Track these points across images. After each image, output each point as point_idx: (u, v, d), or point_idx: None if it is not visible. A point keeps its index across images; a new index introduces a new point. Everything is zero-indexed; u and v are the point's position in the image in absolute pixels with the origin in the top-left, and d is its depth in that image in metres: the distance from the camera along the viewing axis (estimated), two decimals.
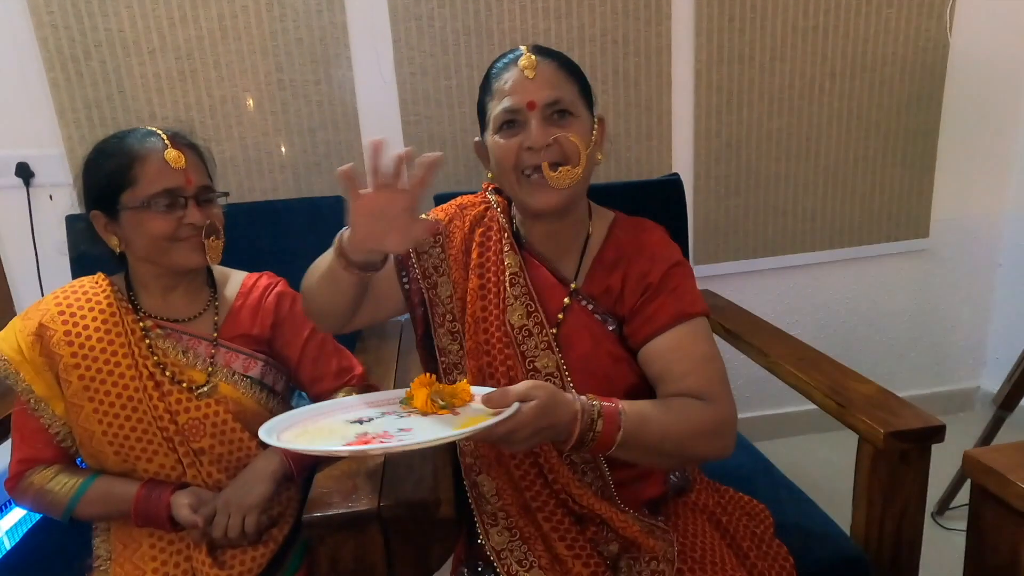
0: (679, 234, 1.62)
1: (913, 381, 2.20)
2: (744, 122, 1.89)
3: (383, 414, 0.88)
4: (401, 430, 0.81)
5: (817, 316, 2.10)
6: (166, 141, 1.00)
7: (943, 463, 1.16)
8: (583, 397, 0.85)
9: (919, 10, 1.86)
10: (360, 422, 0.85)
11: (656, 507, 1.04)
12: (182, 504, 0.98)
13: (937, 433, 0.97)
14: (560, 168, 0.93)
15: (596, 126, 0.97)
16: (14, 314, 1.74)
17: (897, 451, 0.98)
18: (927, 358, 2.20)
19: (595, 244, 1.02)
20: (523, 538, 0.96)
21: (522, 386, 0.81)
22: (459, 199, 1.12)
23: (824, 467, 1.91)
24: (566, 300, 1.00)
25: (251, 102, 1.70)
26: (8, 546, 1.52)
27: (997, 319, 2.18)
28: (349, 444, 0.77)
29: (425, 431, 0.79)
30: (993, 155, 2.03)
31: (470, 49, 1.74)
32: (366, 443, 0.77)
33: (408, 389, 0.88)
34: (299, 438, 0.82)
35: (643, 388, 0.98)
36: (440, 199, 1.62)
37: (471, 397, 0.87)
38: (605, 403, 0.85)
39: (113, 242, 1.03)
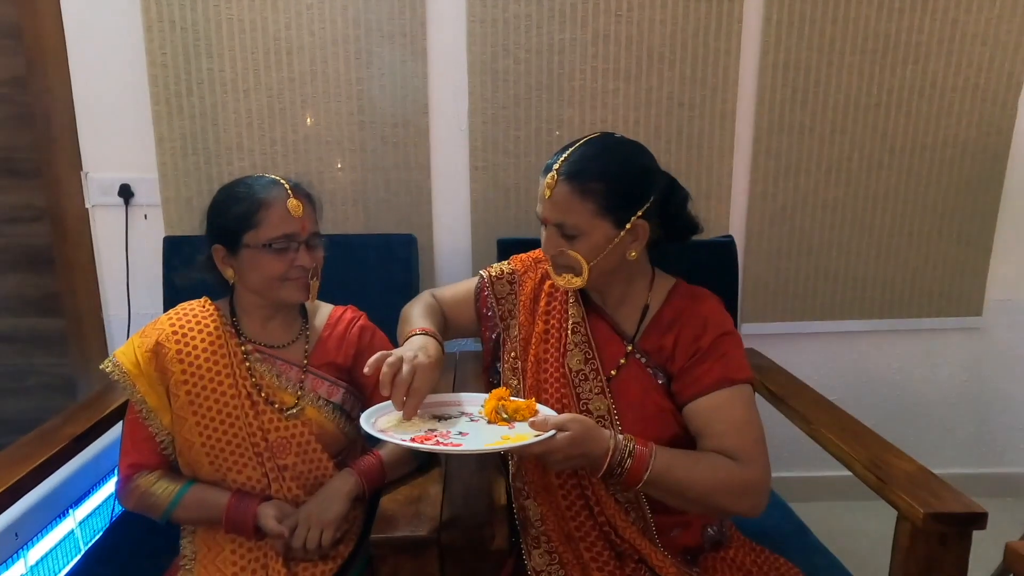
0: (729, 293, 1.67)
1: (957, 459, 2.17)
2: (800, 189, 1.94)
3: (461, 413, 1.08)
4: (460, 433, 1.00)
5: (861, 384, 2.10)
6: (288, 191, 1.11)
7: (987, 547, 1.17)
8: (621, 436, 0.97)
9: (983, 96, 1.89)
10: (439, 419, 1.06)
11: (694, 558, 1.09)
12: (268, 515, 1.07)
13: (978, 519, 0.99)
14: (564, 274, 1.06)
15: (625, 232, 1.02)
16: (102, 323, 1.90)
17: (936, 533, 1.01)
18: (974, 438, 2.17)
19: (654, 307, 1.10)
20: (561, 563, 1.05)
21: (562, 417, 0.95)
22: (536, 252, 1.24)
23: (860, 537, 1.89)
24: (624, 357, 1.09)
25: (309, 120, 1.81)
26: (81, 536, 1.64)
27: None
28: (412, 440, 0.96)
29: (475, 441, 0.97)
30: None
31: (540, 104, 1.84)
32: (426, 439, 0.97)
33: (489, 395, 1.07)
34: (391, 424, 1.03)
35: (685, 437, 1.06)
36: (503, 244, 1.72)
37: (535, 414, 1.03)
38: (639, 446, 0.97)
39: (228, 273, 1.14)
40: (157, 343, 1.13)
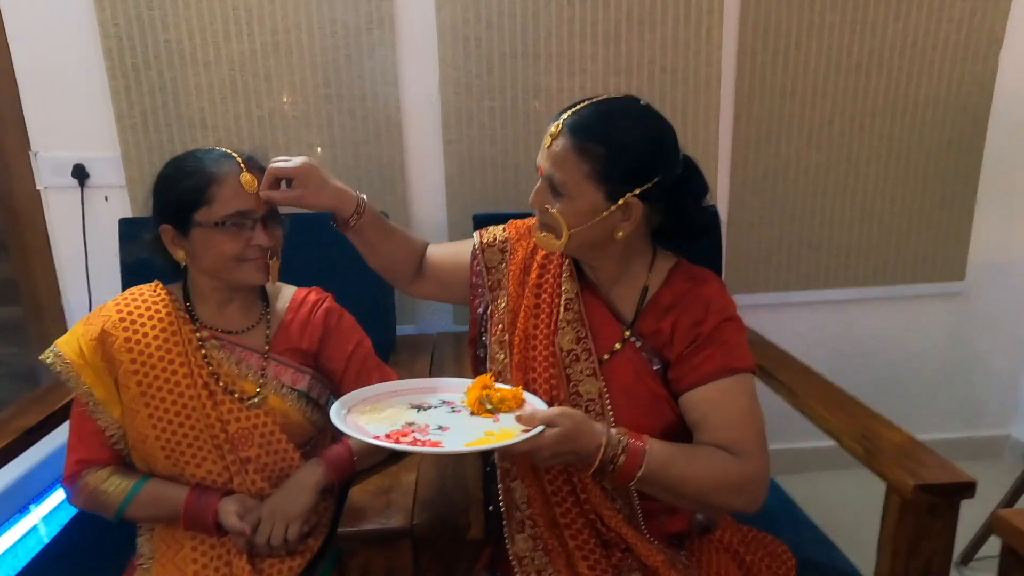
0: (713, 264, 1.64)
1: (941, 424, 2.17)
2: (781, 155, 1.90)
3: (442, 402, 1.02)
4: (440, 428, 0.93)
5: (846, 352, 2.09)
6: (241, 165, 1.04)
7: (970, 510, 1.15)
8: (614, 430, 0.91)
9: (964, 53, 1.86)
10: (418, 409, 0.99)
11: (680, 542, 1.06)
12: (229, 511, 1.01)
13: (967, 489, 0.97)
14: (545, 232, 1.00)
15: (614, 209, 0.94)
16: (61, 310, 1.82)
17: (925, 504, 0.98)
18: (957, 402, 2.18)
19: (653, 288, 1.03)
20: (545, 549, 1.00)
21: (551, 412, 0.89)
22: (531, 220, 1.15)
23: (848, 507, 1.89)
24: (620, 342, 1.02)
25: (286, 99, 1.74)
26: (44, 532, 1.58)
27: None
28: (380, 437, 0.89)
29: (456, 437, 0.90)
30: None
31: (515, 71, 1.77)
32: (403, 434, 0.90)
33: (472, 382, 1.00)
34: (364, 415, 0.96)
35: (680, 427, 1.00)
36: (478, 219, 1.66)
37: (521, 404, 0.97)
38: (633, 440, 0.91)
39: (179, 255, 1.07)
40: (103, 331, 1.06)
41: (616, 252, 1.01)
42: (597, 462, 0.88)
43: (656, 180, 0.94)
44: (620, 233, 0.96)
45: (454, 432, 0.91)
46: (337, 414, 0.93)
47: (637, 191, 0.94)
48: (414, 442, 0.88)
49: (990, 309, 2.09)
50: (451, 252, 1.18)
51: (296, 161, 1.02)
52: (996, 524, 0.89)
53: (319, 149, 1.77)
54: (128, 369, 1.04)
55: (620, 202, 0.94)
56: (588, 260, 1.05)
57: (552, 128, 0.96)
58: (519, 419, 0.90)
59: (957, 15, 1.82)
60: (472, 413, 0.97)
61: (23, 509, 1.53)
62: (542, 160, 0.97)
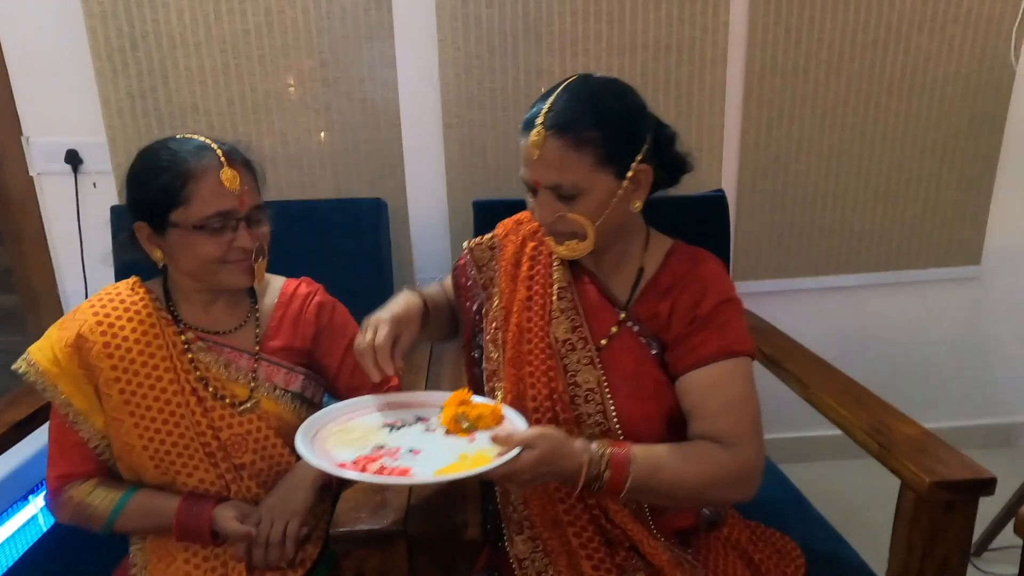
0: (721, 250, 1.59)
1: (954, 412, 2.13)
2: (793, 137, 1.83)
3: (417, 419, 0.97)
4: (411, 451, 0.89)
5: (858, 340, 2.04)
6: (222, 159, 0.95)
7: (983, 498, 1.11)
8: (595, 445, 0.88)
9: (986, 27, 1.78)
10: (391, 428, 0.95)
11: (687, 539, 1.03)
12: (228, 516, 0.95)
13: (987, 486, 0.93)
14: (567, 242, 0.95)
15: (628, 181, 0.91)
16: (58, 298, 1.79)
17: (942, 501, 0.95)
18: (970, 389, 2.13)
19: (650, 271, 1.00)
20: (546, 551, 0.97)
21: (528, 433, 0.85)
22: (519, 215, 1.14)
23: (859, 497, 1.85)
24: (615, 326, 0.99)
25: (291, 81, 1.69)
26: (43, 522, 1.57)
27: None
28: (346, 465, 0.85)
29: (427, 461, 0.86)
30: None
31: (516, 51, 1.71)
32: (371, 460, 0.86)
33: (449, 397, 0.96)
34: (332, 436, 0.91)
35: (681, 412, 0.97)
36: (479, 206, 1.62)
37: (500, 421, 0.93)
38: (616, 450, 0.87)
39: (157, 255, 1.00)
40: (79, 336, 0.97)
41: (623, 233, 0.99)
42: (582, 481, 0.85)
43: (648, 139, 0.93)
44: (637, 204, 0.94)
45: (425, 456, 0.87)
46: (303, 437, 0.87)
47: (640, 157, 0.91)
48: (382, 469, 0.83)
49: (1007, 294, 2.03)
50: (438, 286, 1.20)
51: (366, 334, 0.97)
52: (1018, 523, 0.85)
53: (323, 135, 1.72)
54: (109, 376, 0.97)
55: (630, 174, 0.91)
56: (601, 249, 0.99)
57: (533, 137, 0.89)
58: (495, 439, 0.85)
59: None
60: (447, 432, 0.92)
61: (23, 499, 1.51)
62: (534, 174, 0.91)
